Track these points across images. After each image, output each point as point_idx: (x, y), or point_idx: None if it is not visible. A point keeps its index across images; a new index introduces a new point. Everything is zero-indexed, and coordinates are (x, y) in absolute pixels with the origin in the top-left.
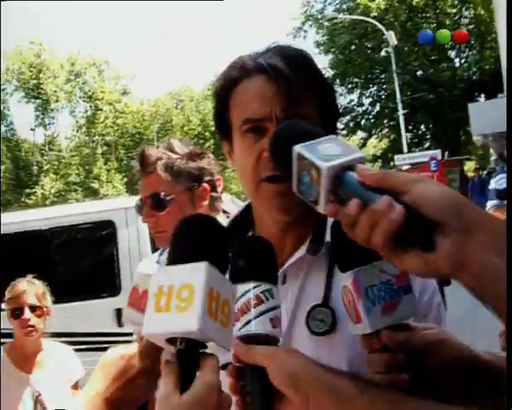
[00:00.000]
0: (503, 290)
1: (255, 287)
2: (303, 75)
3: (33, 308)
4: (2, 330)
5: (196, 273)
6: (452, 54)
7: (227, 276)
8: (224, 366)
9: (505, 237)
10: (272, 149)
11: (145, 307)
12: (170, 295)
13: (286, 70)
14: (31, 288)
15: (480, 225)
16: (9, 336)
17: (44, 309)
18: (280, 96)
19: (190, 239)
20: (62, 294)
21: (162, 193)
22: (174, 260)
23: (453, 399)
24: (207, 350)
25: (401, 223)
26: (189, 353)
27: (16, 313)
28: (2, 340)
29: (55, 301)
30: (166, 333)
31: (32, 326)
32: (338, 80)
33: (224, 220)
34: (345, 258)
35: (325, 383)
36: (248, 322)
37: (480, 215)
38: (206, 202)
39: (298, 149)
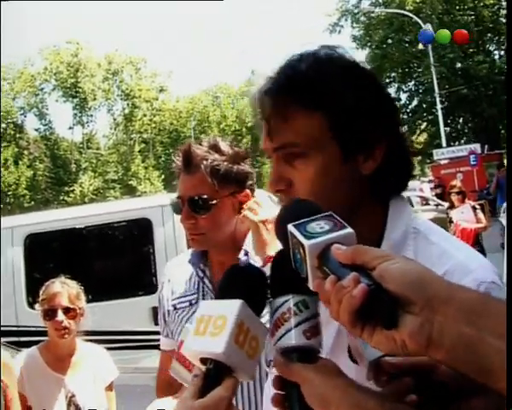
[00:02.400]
0: (483, 359)
1: (286, 301)
2: (294, 96)
3: (66, 310)
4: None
5: (231, 308)
6: (491, 47)
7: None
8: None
9: (481, 305)
10: (276, 228)
11: (190, 365)
12: (208, 322)
13: (272, 97)
14: (64, 289)
15: (447, 299)
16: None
17: (78, 310)
18: (267, 128)
19: (233, 283)
20: (99, 292)
21: (205, 196)
22: (220, 294)
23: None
24: (234, 374)
25: (363, 300)
26: (215, 372)
27: (49, 314)
28: (37, 338)
29: (92, 300)
30: (198, 353)
31: (66, 328)
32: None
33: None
34: None
35: (353, 404)
36: (282, 336)
37: (448, 288)
38: (247, 205)
39: (289, 227)
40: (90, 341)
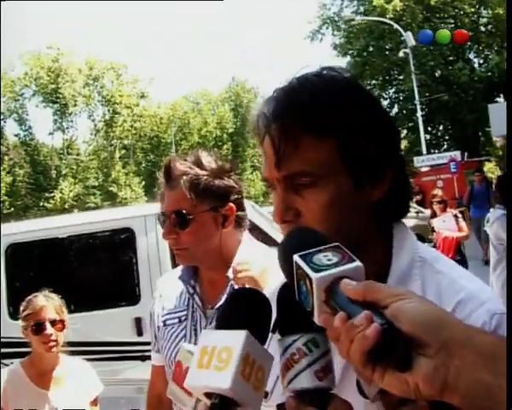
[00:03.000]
0: (499, 406)
1: (295, 340)
2: (304, 124)
3: (54, 322)
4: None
5: (236, 339)
6: (471, 54)
7: (267, 345)
8: (281, 406)
9: (498, 350)
10: (279, 257)
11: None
12: (212, 355)
13: (280, 125)
14: (49, 302)
15: (464, 343)
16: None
17: (64, 322)
18: (275, 157)
19: (236, 310)
20: (81, 303)
21: (184, 211)
22: (221, 325)
23: None
24: (240, 409)
25: (376, 340)
26: (220, 407)
27: (37, 328)
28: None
29: (74, 311)
30: (203, 388)
31: (54, 341)
32: None
33: (248, 239)
34: None
35: None
36: (293, 378)
37: (464, 331)
38: (231, 222)
39: (295, 257)
40: (72, 352)
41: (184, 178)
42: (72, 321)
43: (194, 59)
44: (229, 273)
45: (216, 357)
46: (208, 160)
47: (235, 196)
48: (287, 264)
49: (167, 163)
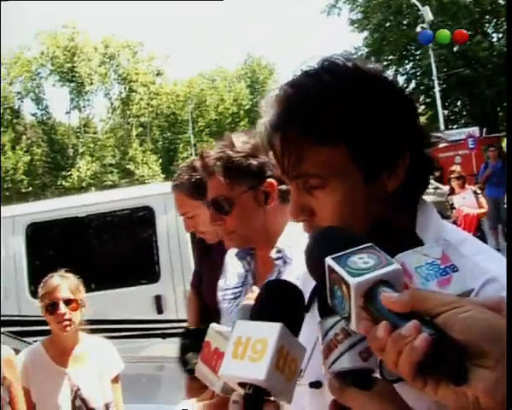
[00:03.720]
0: None
1: (338, 321)
2: (307, 130)
3: (68, 302)
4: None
5: (271, 332)
6: (490, 29)
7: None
8: (314, 384)
9: None
10: (307, 260)
11: (216, 366)
12: (246, 345)
13: (292, 129)
14: (63, 282)
15: None
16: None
17: (79, 302)
18: (286, 158)
19: (271, 302)
20: (101, 281)
21: (223, 196)
22: (256, 316)
23: None
24: (272, 398)
25: (425, 351)
26: (254, 398)
27: (51, 308)
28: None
29: (94, 289)
30: (238, 378)
31: (68, 320)
32: (373, 58)
33: None
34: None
35: None
36: (337, 359)
37: None
38: (274, 198)
39: (329, 261)
40: (93, 330)
41: (218, 164)
42: (93, 300)
43: (208, 36)
44: (273, 254)
45: (251, 348)
46: (241, 140)
47: (273, 172)
48: (317, 267)
49: (200, 153)
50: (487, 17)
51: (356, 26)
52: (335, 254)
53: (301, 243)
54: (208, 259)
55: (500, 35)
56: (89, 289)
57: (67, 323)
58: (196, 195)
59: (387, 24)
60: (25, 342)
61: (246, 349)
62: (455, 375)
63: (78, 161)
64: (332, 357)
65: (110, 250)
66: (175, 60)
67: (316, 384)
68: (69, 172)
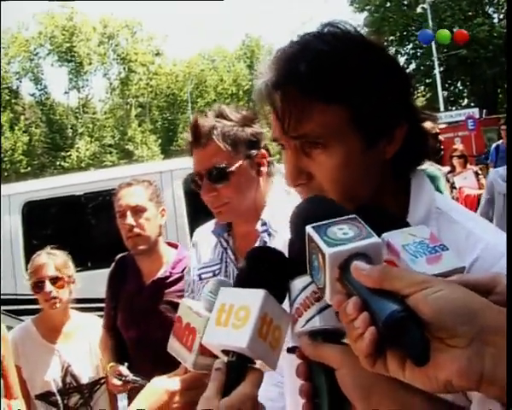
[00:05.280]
0: None
1: (311, 282)
2: (310, 88)
3: (54, 280)
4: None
5: (254, 298)
6: (490, 10)
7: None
8: (291, 350)
9: None
10: (291, 226)
11: (187, 342)
12: (230, 313)
13: (284, 89)
14: (50, 259)
15: (498, 329)
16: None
17: (66, 279)
18: (287, 117)
19: (255, 269)
20: (98, 259)
21: (222, 165)
22: (240, 283)
23: None
24: (256, 365)
25: (372, 346)
26: (237, 365)
27: (38, 286)
28: (36, 306)
29: (91, 267)
30: (221, 346)
31: (55, 298)
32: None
33: (279, 187)
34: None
35: (397, 401)
36: (312, 317)
37: (498, 317)
38: (265, 169)
39: (309, 229)
40: (89, 308)
41: (215, 132)
42: (89, 278)
43: (208, 15)
44: (258, 226)
45: (234, 315)
46: (230, 111)
47: (264, 142)
48: (299, 235)
49: (194, 121)
50: None
51: (356, 6)
52: (316, 223)
53: (285, 216)
54: (126, 290)
55: (501, 16)
56: (85, 268)
57: (54, 301)
58: None
59: (388, 4)
60: (21, 320)
61: (229, 316)
62: (415, 355)
63: (77, 141)
64: (307, 315)
65: (106, 229)
66: (174, 40)
67: (293, 350)
68: (68, 153)
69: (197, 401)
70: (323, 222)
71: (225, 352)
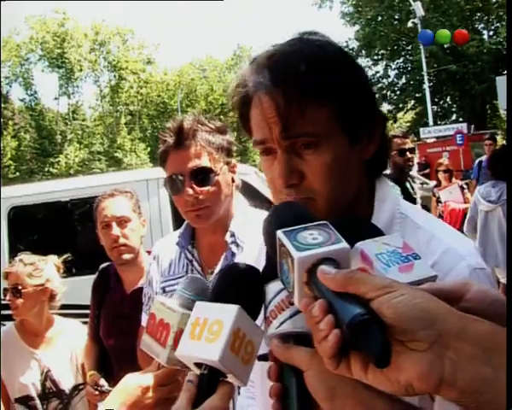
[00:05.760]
0: (500, 398)
1: (283, 288)
2: (307, 88)
3: (15, 290)
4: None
5: (228, 313)
6: (480, 26)
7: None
8: (261, 357)
9: (495, 340)
10: (263, 231)
11: (161, 338)
12: (204, 326)
13: (284, 88)
14: (14, 268)
15: (459, 334)
16: None
17: (25, 290)
18: (277, 118)
19: (230, 285)
20: (83, 266)
21: (208, 167)
22: (216, 297)
23: None
24: (228, 379)
25: (335, 348)
26: (209, 378)
27: (4, 294)
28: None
29: (75, 274)
30: (194, 358)
31: (15, 308)
32: (364, 52)
33: (242, 199)
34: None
35: (360, 402)
36: (285, 320)
37: (459, 322)
38: (236, 179)
39: (279, 234)
40: (74, 314)
41: (199, 135)
42: (73, 284)
43: (200, 25)
44: (227, 237)
45: (207, 329)
46: (207, 119)
47: (233, 153)
48: (271, 239)
49: (179, 123)
50: (478, 14)
51: (347, 19)
52: (287, 228)
53: (252, 229)
54: (108, 299)
55: (491, 32)
56: (70, 274)
57: (14, 311)
58: None
59: (379, 18)
60: (4, 324)
61: (203, 330)
62: (377, 358)
63: (66, 147)
64: (281, 318)
65: (92, 235)
66: (165, 48)
67: (264, 357)
68: (57, 159)
69: (170, 397)
70: (294, 227)
71: (198, 365)
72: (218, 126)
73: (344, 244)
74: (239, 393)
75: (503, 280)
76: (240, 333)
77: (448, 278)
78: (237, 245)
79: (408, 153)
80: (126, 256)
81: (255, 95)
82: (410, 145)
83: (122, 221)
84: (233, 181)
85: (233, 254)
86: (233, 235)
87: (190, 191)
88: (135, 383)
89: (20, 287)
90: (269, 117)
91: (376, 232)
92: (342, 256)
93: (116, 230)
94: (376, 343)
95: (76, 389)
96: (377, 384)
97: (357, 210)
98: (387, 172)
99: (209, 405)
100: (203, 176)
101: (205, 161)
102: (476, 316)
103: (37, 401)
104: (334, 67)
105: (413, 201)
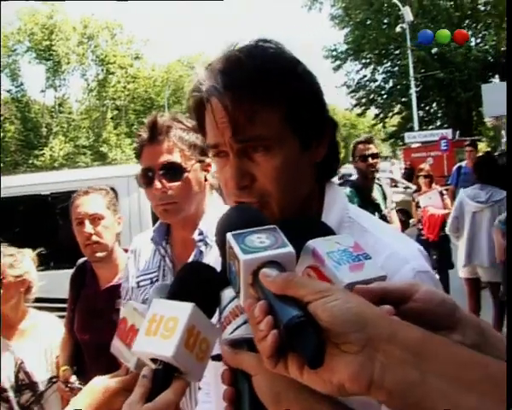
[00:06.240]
0: (425, 402)
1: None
2: (257, 92)
3: None
4: None
5: (183, 311)
6: (469, 33)
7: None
8: (216, 357)
9: (424, 346)
10: (216, 233)
11: (130, 343)
12: (160, 323)
13: (235, 93)
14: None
15: (389, 338)
16: None
17: (4, 281)
18: (229, 122)
19: (187, 283)
20: (62, 260)
21: (177, 162)
22: (173, 295)
23: None
24: (183, 375)
25: (272, 348)
26: (163, 374)
27: None
28: None
29: (54, 267)
30: (148, 354)
31: None
32: (352, 55)
33: (219, 201)
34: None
35: (304, 406)
36: (239, 326)
37: (389, 327)
38: (210, 178)
39: (228, 236)
40: (50, 308)
41: (172, 131)
42: (52, 278)
43: (191, 21)
44: (195, 235)
45: (163, 325)
46: (183, 118)
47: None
48: (221, 241)
49: (153, 118)
50: (466, 21)
51: (337, 21)
52: (237, 231)
53: None
54: (82, 295)
55: (478, 40)
56: (48, 267)
57: None
58: None
59: (368, 22)
60: None
61: (159, 327)
62: (310, 358)
63: (52, 140)
64: (234, 324)
65: (71, 230)
66: (154, 44)
67: (218, 357)
68: (42, 152)
69: None
70: (244, 230)
71: (153, 360)
72: (194, 125)
73: (289, 248)
74: (199, 388)
75: (485, 279)
76: (194, 331)
77: (393, 281)
78: (206, 244)
79: (370, 158)
80: (99, 254)
81: (209, 99)
82: (373, 151)
83: (95, 219)
84: (205, 179)
85: (201, 253)
86: (201, 233)
87: (159, 185)
88: (102, 386)
89: (1, 277)
90: (220, 121)
91: (328, 232)
92: (287, 260)
93: (89, 227)
94: (310, 345)
95: (50, 381)
96: (312, 384)
97: (307, 213)
98: (353, 178)
99: (162, 399)
100: (173, 172)
101: (176, 157)
102: (424, 316)
103: (10, 393)
104: (285, 73)
105: (375, 206)
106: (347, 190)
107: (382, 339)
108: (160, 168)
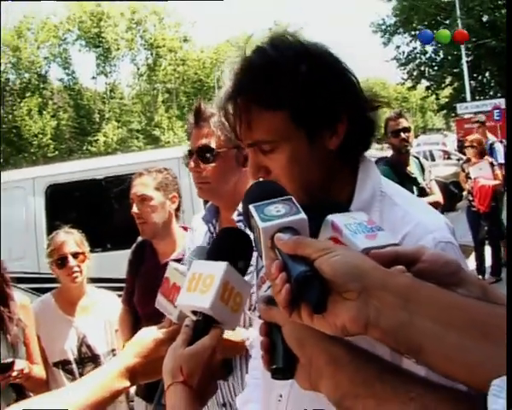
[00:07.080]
0: (413, 340)
1: None
2: (258, 99)
3: (75, 255)
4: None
5: (218, 269)
6: None
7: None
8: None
9: (412, 292)
10: (242, 207)
11: (173, 299)
12: (199, 280)
13: (244, 98)
14: (69, 237)
15: (382, 286)
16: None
17: (86, 254)
18: (241, 126)
19: (223, 245)
20: (118, 241)
21: (211, 146)
22: (210, 256)
23: None
24: (219, 325)
25: (287, 299)
26: (203, 323)
27: (60, 262)
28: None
29: (111, 248)
30: (190, 307)
31: (77, 272)
32: (401, 28)
33: None
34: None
35: (325, 351)
36: (269, 288)
37: (382, 276)
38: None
39: (250, 207)
40: (108, 288)
41: (213, 118)
42: (108, 259)
43: (237, 3)
44: (234, 216)
45: (201, 282)
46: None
47: None
48: (246, 212)
49: (198, 105)
50: None
51: None
52: (257, 203)
53: None
54: (143, 270)
55: None
56: (105, 249)
57: (76, 275)
58: None
59: None
60: None
61: (198, 283)
62: (314, 305)
63: (104, 126)
64: (265, 286)
65: (127, 212)
66: (202, 26)
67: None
68: (95, 138)
69: None
70: (263, 202)
71: (194, 312)
72: None
73: (301, 215)
74: (247, 372)
75: None
76: (228, 286)
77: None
78: (245, 225)
79: (402, 133)
80: (146, 233)
81: (232, 103)
82: (404, 125)
83: (142, 200)
84: (244, 165)
85: None
86: (240, 214)
87: (192, 164)
88: (150, 336)
89: (80, 251)
90: (232, 123)
91: (344, 211)
92: (300, 225)
93: (135, 208)
94: (314, 294)
95: (110, 353)
96: (321, 328)
97: (335, 192)
98: (388, 153)
99: (200, 343)
100: (205, 154)
101: (212, 142)
102: (431, 274)
103: (74, 366)
104: (288, 74)
105: (412, 180)
106: (382, 167)
107: (376, 287)
108: (197, 150)
